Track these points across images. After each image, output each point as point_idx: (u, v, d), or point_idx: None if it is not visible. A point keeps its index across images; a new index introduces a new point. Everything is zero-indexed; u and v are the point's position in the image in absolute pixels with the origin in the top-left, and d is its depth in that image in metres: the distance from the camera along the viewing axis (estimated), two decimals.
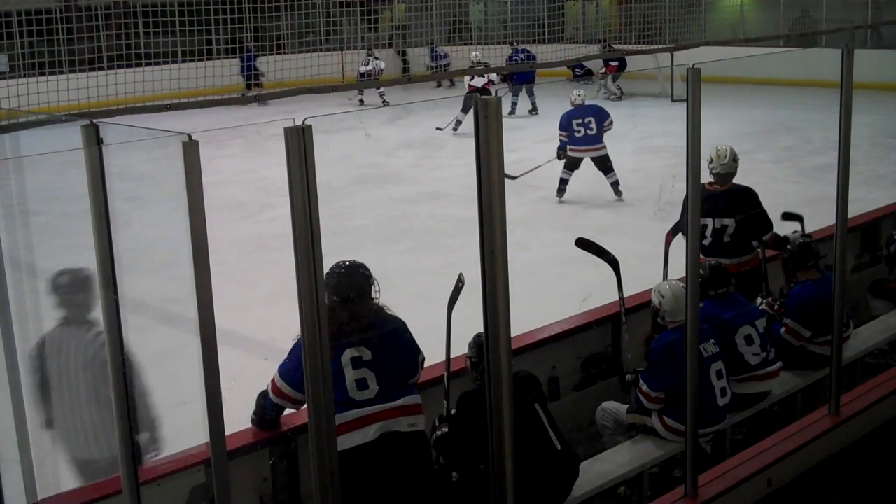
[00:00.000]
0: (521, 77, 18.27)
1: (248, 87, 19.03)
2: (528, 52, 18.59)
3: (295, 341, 3.53)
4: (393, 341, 3.67)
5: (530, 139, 15.13)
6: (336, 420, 3.35)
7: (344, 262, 3.74)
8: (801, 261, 5.18)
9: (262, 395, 3.75)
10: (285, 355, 3.67)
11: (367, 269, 3.76)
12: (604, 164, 10.87)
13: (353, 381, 3.51)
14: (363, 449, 3.48)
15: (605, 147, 10.83)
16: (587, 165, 11.08)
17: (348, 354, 3.53)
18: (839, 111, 4.22)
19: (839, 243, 4.38)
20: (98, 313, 3.42)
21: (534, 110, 17.47)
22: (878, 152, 12.80)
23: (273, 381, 3.64)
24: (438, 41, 22.23)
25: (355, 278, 3.70)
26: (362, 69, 19.38)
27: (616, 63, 20.51)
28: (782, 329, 5.02)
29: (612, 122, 11.01)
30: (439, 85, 21.19)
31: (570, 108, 11.06)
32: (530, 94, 17.55)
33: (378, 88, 19.60)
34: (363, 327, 3.56)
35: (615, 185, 10.91)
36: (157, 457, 3.95)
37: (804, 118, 15.75)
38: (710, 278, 4.70)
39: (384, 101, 19.60)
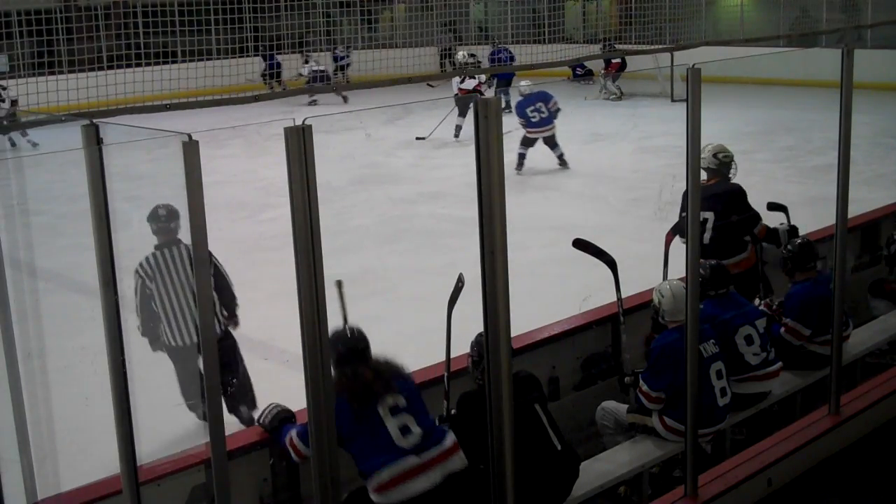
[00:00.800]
0: (501, 77, 18.08)
1: (267, 84, 18.96)
2: (509, 51, 18.54)
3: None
4: (411, 384, 3.67)
5: None
6: (394, 470, 3.38)
7: (341, 329, 3.68)
8: (802, 262, 5.18)
9: (279, 422, 3.71)
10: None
11: (361, 330, 3.76)
12: (552, 142, 12.48)
13: (397, 429, 3.48)
14: (431, 495, 3.44)
15: (554, 126, 12.44)
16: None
17: (386, 404, 3.50)
18: (839, 111, 4.22)
19: (839, 243, 4.37)
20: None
21: (507, 108, 17.42)
22: (878, 152, 12.80)
23: (294, 445, 3.57)
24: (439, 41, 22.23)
25: (360, 340, 3.67)
26: (303, 71, 19.40)
27: (618, 61, 20.38)
28: (782, 329, 5.02)
29: (556, 103, 12.51)
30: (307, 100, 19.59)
31: (520, 98, 12.57)
32: (505, 93, 17.43)
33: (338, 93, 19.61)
34: (389, 377, 3.56)
35: (561, 157, 12.53)
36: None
37: (804, 118, 15.75)
38: (710, 278, 4.70)
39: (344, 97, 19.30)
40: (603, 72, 20.34)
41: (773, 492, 4.09)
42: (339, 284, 3.77)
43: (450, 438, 3.56)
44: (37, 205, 10.77)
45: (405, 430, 3.49)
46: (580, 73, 21.24)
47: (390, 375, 3.56)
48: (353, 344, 3.63)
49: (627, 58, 20.28)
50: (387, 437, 3.45)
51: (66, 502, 3.53)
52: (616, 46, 19.46)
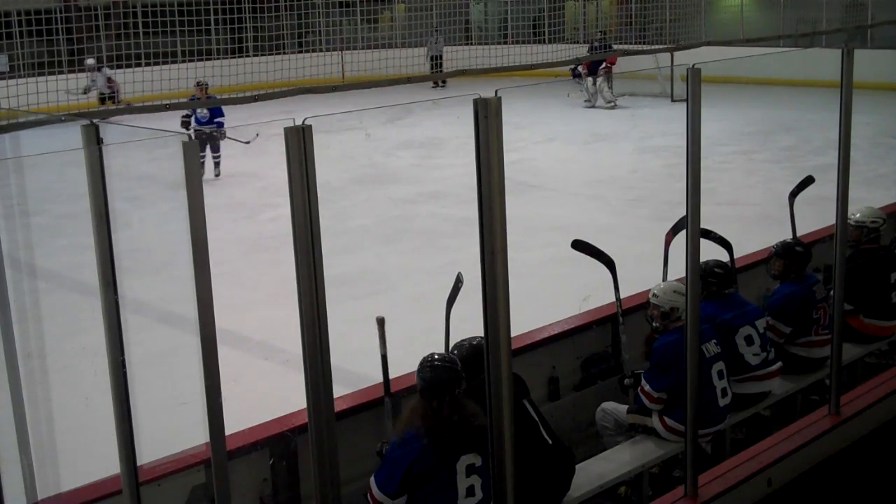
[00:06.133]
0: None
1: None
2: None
3: (387, 448, 3.47)
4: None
5: (530, 139, 15.16)
6: None
7: (440, 357, 3.55)
8: (801, 266, 5.15)
9: None
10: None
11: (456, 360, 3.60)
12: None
13: (465, 489, 3.40)
14: None
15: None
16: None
17: (464, 461, 3.39)
18: (839, 111, 4.22)
19: (839, 243, 4.37)
20: None
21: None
22: (878, 152, 12.81)
23: (372, 494, 3.41)
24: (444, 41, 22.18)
25: (457, 372, 3.51)
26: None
27: (606, 66, 18.67)
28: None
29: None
30: None
31: None
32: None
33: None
34: (480, 432, 3.25)
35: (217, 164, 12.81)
36: None
37: (804, 118, 15.76)
38: (725, 276, 4.73)
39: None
40: (590, 76, 18.81)
41: (773, 492, 4.09)
42: (381, 322, 3.70)
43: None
44: (37, 205, 10.78)
45: (470, 491, 3.40)
46: (580, 73, 21.09)
47: (479, 426, 3.30)
48: (450, 375, 3.45)
49: (626, 58, 20.17)
50: (453, 495, 3.37)
51: (66, 502, 3.53)
52: (615, 46, 19.18)
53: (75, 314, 6.89)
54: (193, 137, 11.60)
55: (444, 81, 21.34)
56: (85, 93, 15.52)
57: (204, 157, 12.62)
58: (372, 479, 3.43)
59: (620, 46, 19.39)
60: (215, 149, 12.99)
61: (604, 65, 18.47)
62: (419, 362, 3.55)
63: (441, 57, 22.19)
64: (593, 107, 18.45)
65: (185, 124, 12.65)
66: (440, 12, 21.53)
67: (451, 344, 4.06)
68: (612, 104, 18.52)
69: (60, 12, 16.85)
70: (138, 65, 13.53)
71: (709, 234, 5.13)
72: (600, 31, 20.61)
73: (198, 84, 12.62)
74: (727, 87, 17.25)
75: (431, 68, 21.73)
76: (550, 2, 20.08)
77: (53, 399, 4.87)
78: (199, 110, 12.66)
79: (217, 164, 13.04)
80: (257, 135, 12.12)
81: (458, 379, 3.48)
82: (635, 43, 19.20)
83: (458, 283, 4.06)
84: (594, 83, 18.49)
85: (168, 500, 3.60)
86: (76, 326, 6.63)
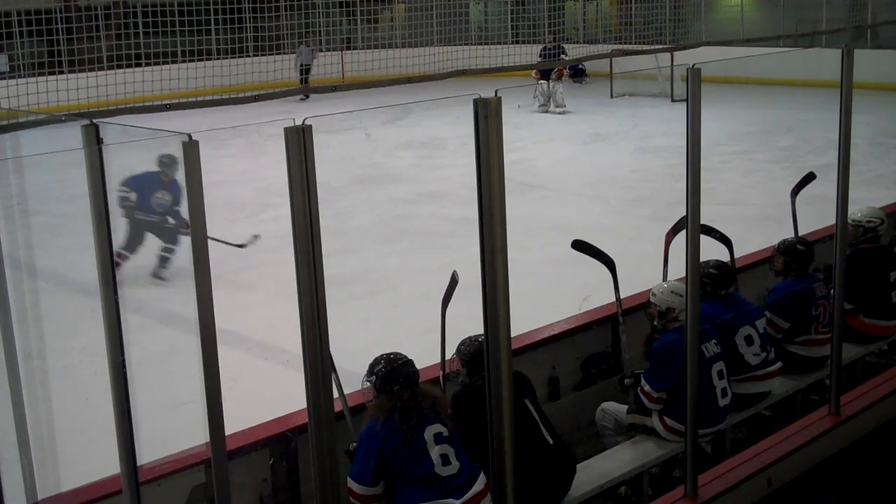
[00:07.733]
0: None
1: None
2: None
3: (354, 446, 3.55)
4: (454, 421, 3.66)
5: (530, 139, 15.16)
6: None
7: (393, 354, 3.71)
8: (805, 264, 5.16)
9: None
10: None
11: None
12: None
13: (438, 456, 3.48)
14: None
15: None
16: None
17: (430, 431, 3.50)
18: (839, 111, 4.22)
19: (839, 243, 4.38)
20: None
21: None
22: (878, 152, 12.82)
23: (351, 489, 3.50)
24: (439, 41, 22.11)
25: (412, 367, 3.69)
26: None
27: (560, 70, 18.08)
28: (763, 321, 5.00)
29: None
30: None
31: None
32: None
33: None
34: (439, 405, 3.58)
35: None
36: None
37: (804, 118, 15.76)
38: (721, 277, 4.72)
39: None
40: (543, 80, 17.91)
41: (773, 492, 4.09)
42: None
43: (482, 480, 3.53)
44: (37, 205, 10.78)
45: (445, 460, 3.48)
46: (571, 72, 20.91)
47: (440, 404, 3.58)
48: (408, 370, 3.63)
49: (627, 58, 20.11)
50: (429, 462, 3.44)
51: (66, 502, 3.53)
52: (565, 47, 18.78)
53: (75, 314, 6.89)
54: (136, 228, 8.76)
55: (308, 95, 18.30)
56: None
57: (126, 256, 8.12)
58: (349, 479, 3.48)
59: (619, 47, 19.35)
60: (172, 239, 8.38)
61: (556, 69, 17.98)
62: (372, 363, 3.65)
63: (310, 70, 19.97)
64: (547, 112, 17.99)
65: (130, 208, 8.18)
66: (440, 12, 21.52)
67: (447, 342, 4.06)
68: (563, 109, 17.93)
69: (60, 12, 16.89)
70: (138, 65, 13.55)
71: (710, 231, 5.13)
72: (552, 35, 20.02)
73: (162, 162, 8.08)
74: (727, 87, 17.25)
75: (301, 80, 19.81)
76: (550, 2, 20.06)
77: (53, 399, 4.86)
78: (157, 193, 8.21)
79: (164, 260, 8.32)
80: (255, 236, 8.64)
81: (417, 375, 3.63)
82: (635, 43, 19.16)
83: (454, 281, 4.06)
84: (548, 87, 17.89)
85: (168, 500, 3.60)
86: (76, 326, 6.63)
